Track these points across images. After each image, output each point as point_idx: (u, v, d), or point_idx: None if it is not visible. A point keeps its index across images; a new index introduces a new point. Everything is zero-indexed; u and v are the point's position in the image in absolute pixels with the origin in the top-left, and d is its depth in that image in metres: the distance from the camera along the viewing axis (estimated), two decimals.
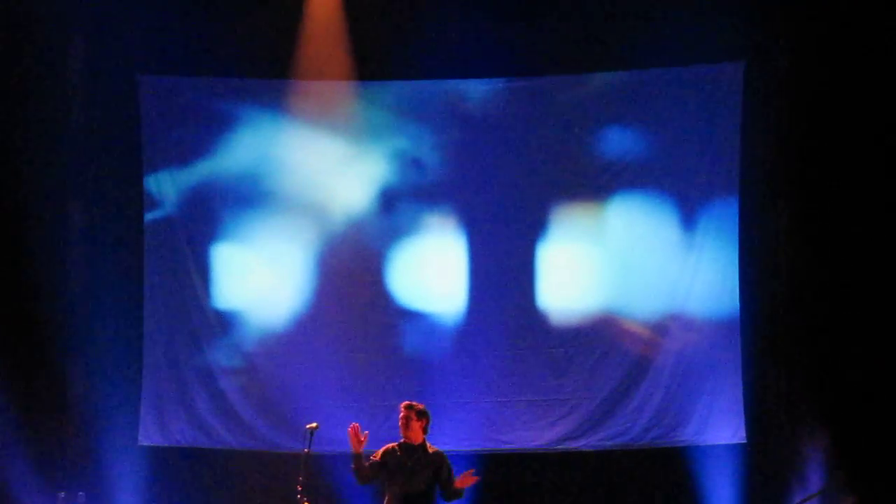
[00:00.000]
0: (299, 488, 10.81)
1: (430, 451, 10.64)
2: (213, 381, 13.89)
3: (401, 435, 10.66)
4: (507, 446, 13.75)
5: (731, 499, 13.33)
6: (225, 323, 13.98)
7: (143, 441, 13.93)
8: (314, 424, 11.00)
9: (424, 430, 10.66)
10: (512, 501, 13.81)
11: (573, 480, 13.84)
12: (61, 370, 13.80)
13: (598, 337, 13.75)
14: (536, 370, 13.78)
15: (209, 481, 14.04)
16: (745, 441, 13.46)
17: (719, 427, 13.49)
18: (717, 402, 13.50)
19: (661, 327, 13.66)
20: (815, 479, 12.69)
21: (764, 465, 13.38)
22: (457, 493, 10.62)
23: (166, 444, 13.93)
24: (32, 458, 13.19)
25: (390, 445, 10.70)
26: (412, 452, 10.60)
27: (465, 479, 10.51)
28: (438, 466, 10.57)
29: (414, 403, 10.73)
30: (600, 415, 13.67)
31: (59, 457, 13.68)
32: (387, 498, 10.57)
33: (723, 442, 13.47)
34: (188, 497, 13.91)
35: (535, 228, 13.87)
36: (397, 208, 13.99)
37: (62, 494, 12.74)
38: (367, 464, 10.58)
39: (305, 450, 10.96)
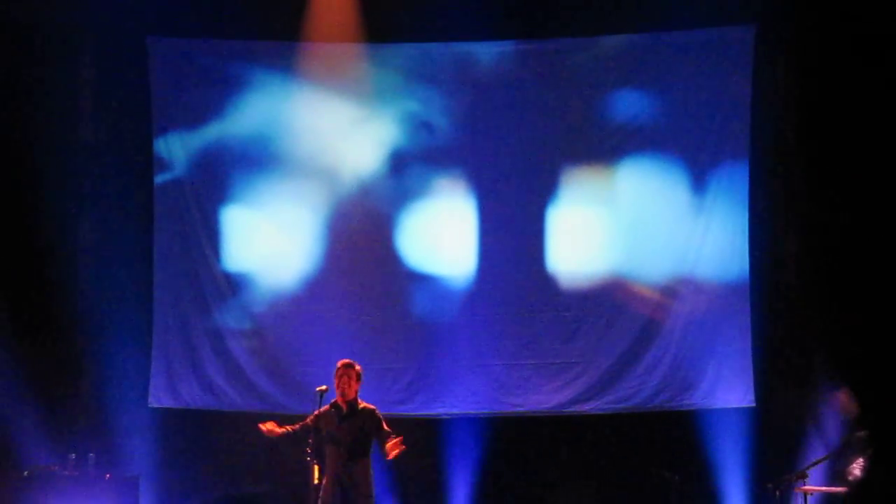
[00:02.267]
0: (308, 451, 10.86)
1: (362, 406, 11.05)
2: (223, 344, 13.92)
3: (339, 394, 11.02)
4: (517, 409, 13.75)
5: (739, 462, 13.33)
6: (234, 285, 13.99)
7: (153, 403, 13.97)
8: (324, 387, 11.06)
9: (358, 390, 11.11)
10: (521, 464, 13.86)
11: (582, 444, 13.87)
12: (72, 333, 13.85)
13: (608, 300, 13.74)
14: (546, 333, 13.78)
15: (219, 443, 14.09)
16: (753, 404, 13.46)
17: (728, 390, 13.49)
18: (726, 366, 13.50)
19: (671, 290, 13.64)
20: (823, 442, 12.68)
21: (773, 429, 13.38)
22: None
23: (176, 407, 13.97)
24: (44, 421, 13.24)
25: (325, 409, 11.04)
26: (350, 410, 10.98)
27: (393, 448, 10.82)
28: (371, 421, 10.98)
29: (353, 363, 11.08)
30: (609, 378, 13.67)
31: (71, 419, 13.74)
32: (328, 458, 10.86)
33: (732, 405, 13.47)
34: (198, 458, 13.96)
35: (544, 191, 13.84)
36: (407, 171, 13.97)
37: (73, 456, 12.77)
38: (296, 426, 11.06)
39: (315, 412, 11.01)
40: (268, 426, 11.10)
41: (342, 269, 13.91)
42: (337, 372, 11.07)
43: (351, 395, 11.01)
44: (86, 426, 13.74)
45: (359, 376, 11.07)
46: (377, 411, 11.05)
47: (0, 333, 13.34)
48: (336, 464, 10.85)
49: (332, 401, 11.05)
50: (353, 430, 10.92)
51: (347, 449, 10.87)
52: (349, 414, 10.97)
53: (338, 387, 11.01)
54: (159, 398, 13.97)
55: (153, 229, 14.10)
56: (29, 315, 13.67)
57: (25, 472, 12.56)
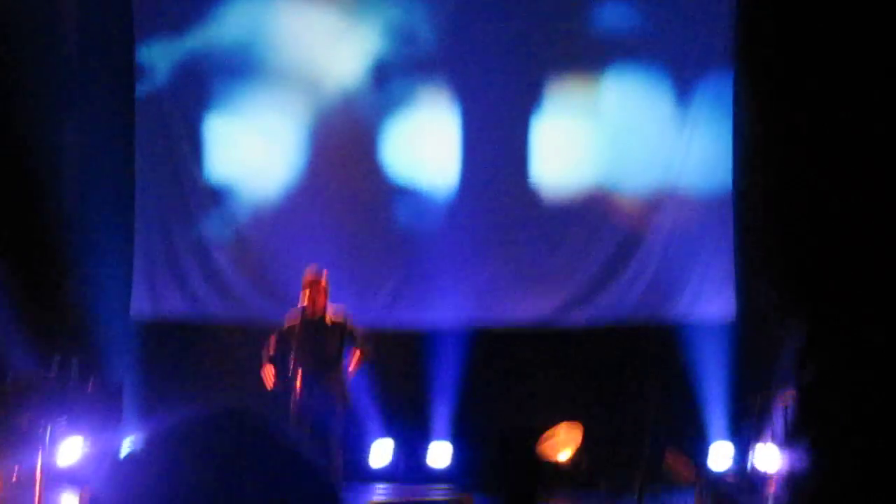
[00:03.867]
0: (291, 364, 10.89)
1: (333, 319, 11.04)
2: (206, 253, 13.89)
3: (310, 304, 10.93)
4: (499, 320, 13.74)
5: (721, 376, 13.36)
6: (216, 195, 13.93)
7: (135, 312, 13.97)
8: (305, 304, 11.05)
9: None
10: (503, 376, 13.86)
11: (564, 356, 13.86)
12: (55, 242, 13.79)
13: (591, 212, 13.69)
14: (529, 245, 13.74)
15: (203, 356, 14.09)
16: (734, 319, 13.48)
17: (710, 303, 13.47)
18: (708, 279, 13.49)
19: (654, 202, 13.60)
20: (801, 360, 12.70)
21: (753, 344, 13.40)
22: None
23: (157, 316, 13.97)
24: (28, 325, 13.21)
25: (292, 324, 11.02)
26: (321, 323, 10.95)
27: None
28: (344, 329, 11.00)
29: (319, 279, 11.06)
30: (592, 290, 13.65)
31: (53, 327, 13.71)
32: (294, 367, 10.79)
33: (713, 318, 13.48)
34: (181, 371, 13.95)
35: (529, 102, 13.74)
36: (390, 82, 13.85)
37: (57, 358, 12.77)
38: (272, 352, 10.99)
39: (280, 330, 11.04)
40: (268, 374, 11.02)
41: (325, 180, 13.85)
42: (314, 286, 11.03)
43: (321, 310, 11.01)
44: (68, 335, 13.70)
45: (326, 291, 11.03)
46: (349, 320, 11.07)
47: None
48: (308, 376, 10.81)
49: (300, 314, 10.99)
50: (327, 342, 10.94)
51: (319, 360, 10.88)
52: (320, 326, 10.96)
53: (309, 299, 10.98)
54: (140, 308, 13.97)
55: (134, 139, 14.02)
56: (12, 224, 13.61)
57: (7, 379, 12.56)
